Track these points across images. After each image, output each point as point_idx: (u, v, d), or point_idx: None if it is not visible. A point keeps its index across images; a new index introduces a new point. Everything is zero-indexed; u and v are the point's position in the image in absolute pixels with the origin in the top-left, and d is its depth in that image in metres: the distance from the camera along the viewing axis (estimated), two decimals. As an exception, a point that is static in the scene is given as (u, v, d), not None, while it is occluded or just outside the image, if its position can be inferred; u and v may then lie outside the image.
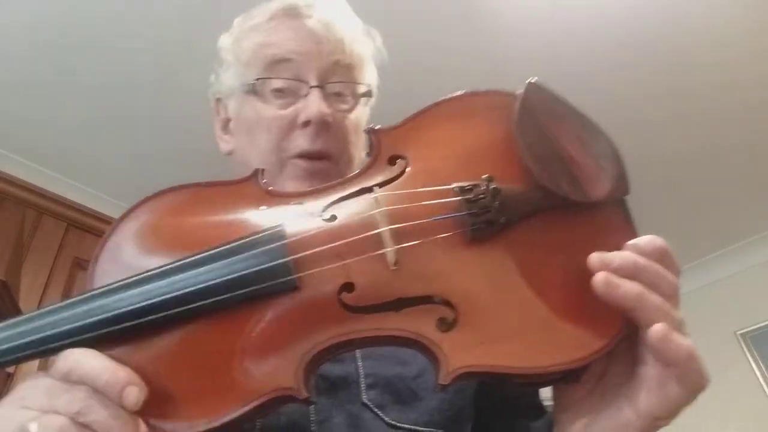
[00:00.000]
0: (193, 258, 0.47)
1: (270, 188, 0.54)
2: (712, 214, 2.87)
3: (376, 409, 0.61)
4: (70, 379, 0.43)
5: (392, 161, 0.55)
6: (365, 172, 0.55)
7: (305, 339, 0.47)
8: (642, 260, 0.47)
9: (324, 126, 0.71)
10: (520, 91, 0.56)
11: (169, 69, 2.17)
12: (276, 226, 0.49)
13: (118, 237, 0.51)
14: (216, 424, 0.44)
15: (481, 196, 0.50)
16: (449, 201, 0.50)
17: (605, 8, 1.88)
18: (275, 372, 0.46)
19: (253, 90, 0.75)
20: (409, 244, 0.49)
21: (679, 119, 2.28)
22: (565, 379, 0.49)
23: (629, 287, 0.45)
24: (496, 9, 1.90)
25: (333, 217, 0.51)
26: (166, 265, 0.47)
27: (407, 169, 0.54)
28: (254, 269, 0.46)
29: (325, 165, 0.72)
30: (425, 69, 1.91)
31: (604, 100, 2.16)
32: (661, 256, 0.48)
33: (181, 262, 0.47)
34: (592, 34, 1.93)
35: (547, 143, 0.52)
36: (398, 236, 0.49)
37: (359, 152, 0.77)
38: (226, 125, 0.83)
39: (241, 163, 0.78)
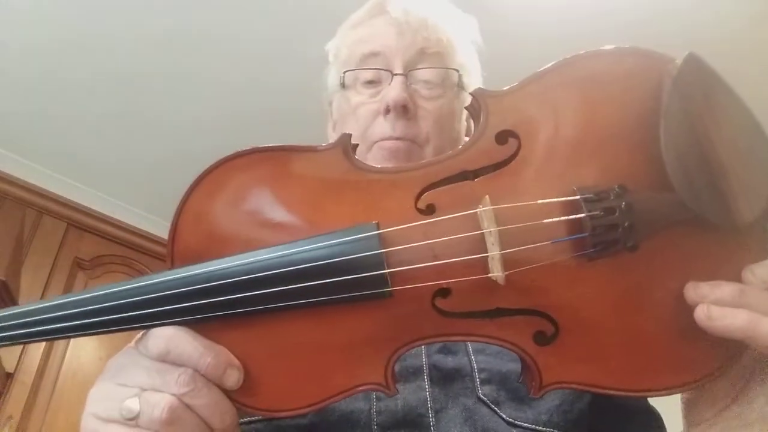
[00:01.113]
0: (279, 263, 0.44)
1: (360, 164, 0.48)
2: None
3: (492, 405, 0.60)
4: (168, 359, 0.43)
5: (502, 139, 0.47)
6: (469, 148, 0.47)
7: (396, 338, 0.45)
8: (749, 291, 0.42)
9: (403, 111, 0.71)
10: (673, 61, 0.45)
11: (171, 71, 2.16)
12: (372, 229, 0.44)
13: (198, 202, 0.47)
14: (301, 411, 0.44)
15: (609, 211, 0.43)
16: (571, 219, 0.43)
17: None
18: (364, 367, 0.45)
19: (344, 83, 0.78)
20: (520, 269, 0.43)
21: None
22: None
23: (732, 319, 0.41)
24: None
25: (430, 209, 0.46)
26: (253, 257, 0.44)
27: (519, 154, 0.46)
28: (349, 277, 0.43)
29: (408, 145, 0.71)
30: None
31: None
32: None
33: (268, 256, 0.44)
34: (603, 12, 1.92)
35: (696, 144, 0.43)
36: (508, 261, 0.43)
37: (454, 140, 0.76)
38: (335, 125, 0.85)
39: None
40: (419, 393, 0.59)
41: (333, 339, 0.45)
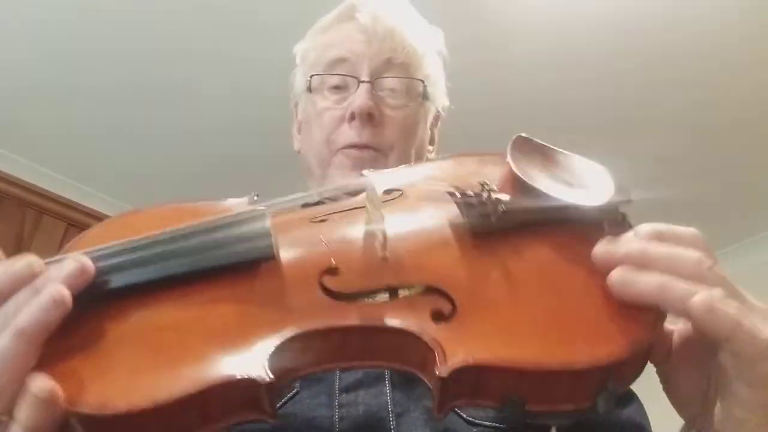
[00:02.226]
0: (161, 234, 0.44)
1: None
2: (712, 214, 2.86)
3: None
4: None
5: (387, 192, 0.53)
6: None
7: (278, 324, 0.40)
8: (653, 245, 0.43)
9: (369, 119, 0.73)
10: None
11: (169, 75, 2.17)
12: (261, 211, 0.46)
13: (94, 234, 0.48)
14: (147, 406, 0.35)
15: (476, 192, 0.49)
16: (443, 195, 0.50)
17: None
18: (235, 358, 0.38)
19: (311, 87, 0.79)
20: (402, 243, 0.46)
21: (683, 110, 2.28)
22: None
23: (646, 280, 0.41)
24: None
25: (322, 221, 0.49)
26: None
27: (402, 194, 0.53)
28: (227, 232, 0.43)
29: (372, 154, 0.74)
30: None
31: (606, 90, 2.16)
32: (671, 239, 0.44)
33: (153, 235, 0.44)
34: (595, 19, 1.93)
35: (538, 167, 0.52)
36: (391, 238, 0.45)
37: (417, 148, 0.79)
38: (300, 126, 0.87)
39: (302, 160, 0.83)
40: (380, 398, 0.59)
41: (201, 321, 0.40)
